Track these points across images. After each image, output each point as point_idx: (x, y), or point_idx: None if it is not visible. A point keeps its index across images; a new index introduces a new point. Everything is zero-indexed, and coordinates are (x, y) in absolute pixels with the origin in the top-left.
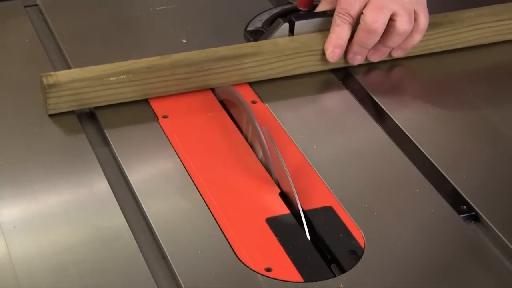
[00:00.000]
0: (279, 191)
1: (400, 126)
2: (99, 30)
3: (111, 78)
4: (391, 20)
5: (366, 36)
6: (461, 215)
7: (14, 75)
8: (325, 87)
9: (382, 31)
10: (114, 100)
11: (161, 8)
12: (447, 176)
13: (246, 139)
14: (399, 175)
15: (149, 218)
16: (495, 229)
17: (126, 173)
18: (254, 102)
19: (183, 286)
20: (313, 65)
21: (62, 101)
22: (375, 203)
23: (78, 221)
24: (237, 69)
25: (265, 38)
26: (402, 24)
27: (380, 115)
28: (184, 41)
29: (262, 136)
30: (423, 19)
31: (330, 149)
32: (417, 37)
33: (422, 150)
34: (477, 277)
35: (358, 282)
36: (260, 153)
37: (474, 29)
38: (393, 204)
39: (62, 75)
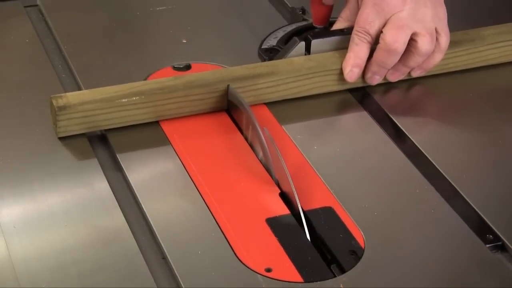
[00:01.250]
0: (279, 191)
1: (419, 146)
2: (99, 30)
3: (123, 100)
4: (412, 39)
5: (385, 56)
6: (487, 245)
7: (14, 75)
8: (342, 107)
9: (403, 51)
10: (126, 122)
11: (161, 8)
12: (467, 198)
13: (246, 139)
14: (399, 175)
15: (149, 218)
16: (495, 229)
17: (126, 173)
18: None
19: (183, 286)
20: (330, 85)
21: (72, 124)
22: (375, 203)
23: (78, 221)
24: (253, 89)
25: (281, 57)
26: (424, 44)
27: (399, 135)
28: (184, 41)
29: (262, 137)
30: (444, 38)
31: (330, 149)
32: (438, 57)
33: (441, 171)
34: (478, 278)
35: (358, 282)
36: (260, 154)
37: (494, 47)
38: (393, 204)
39: (73, 97)
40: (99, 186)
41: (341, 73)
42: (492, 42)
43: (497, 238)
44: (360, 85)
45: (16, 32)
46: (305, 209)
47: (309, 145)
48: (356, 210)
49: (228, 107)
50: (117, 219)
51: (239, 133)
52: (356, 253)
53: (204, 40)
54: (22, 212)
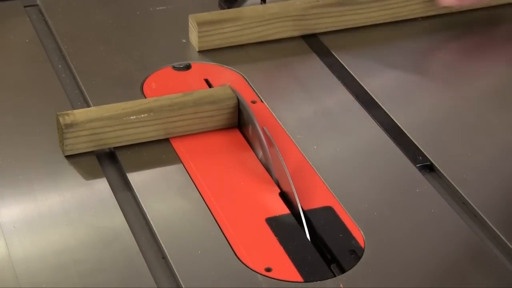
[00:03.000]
0: (279, 191)
1: (371, 94)
2: (99, 30)
3: (131, 117)
4: None
5: None
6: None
7: (14, 75)
8: (295, 54)
9: None
10: (135, 140)
11: (161, 8)
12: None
13: (247, 139)
14: (399, 175)
15: (149, 218)
16: (495, 229)
17: (127, 173)
18: (254, 102)
19: (183, 286)
20: (291, 30)
21: (79, 142)
22: (375, 203)
23: (78, 221)
24: (219, 33)
25: (239, 6)
26: None
27: (351, 81)
28: (184, 41)
29: (262, 136)
30: None
31: (330, 149)
32: None
33: (390, 115)
34: (478, 278)
35: (358, 282)
36: (260, 153)
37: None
38: (393, 204)
39: (80, 114)
40: (99, 186)
41: (300, 19)
42: None
43: (497, 237)
44: (320, 30)
45: (16, 32)
46: (305, 209)
47: (309, 145)
48: (356, 210)
49: (239, 123)
50: (117, 219)
51: (246, 143)
52: (356, 253)
53: None
54: (22, 212)
